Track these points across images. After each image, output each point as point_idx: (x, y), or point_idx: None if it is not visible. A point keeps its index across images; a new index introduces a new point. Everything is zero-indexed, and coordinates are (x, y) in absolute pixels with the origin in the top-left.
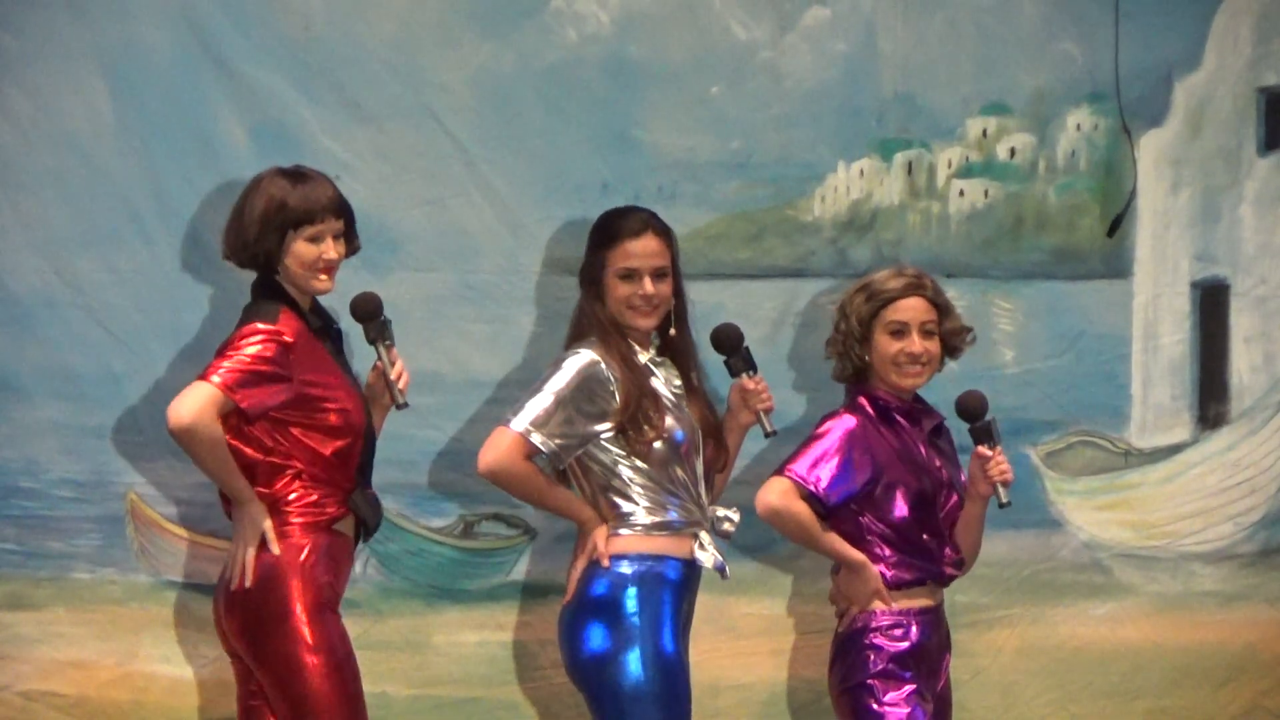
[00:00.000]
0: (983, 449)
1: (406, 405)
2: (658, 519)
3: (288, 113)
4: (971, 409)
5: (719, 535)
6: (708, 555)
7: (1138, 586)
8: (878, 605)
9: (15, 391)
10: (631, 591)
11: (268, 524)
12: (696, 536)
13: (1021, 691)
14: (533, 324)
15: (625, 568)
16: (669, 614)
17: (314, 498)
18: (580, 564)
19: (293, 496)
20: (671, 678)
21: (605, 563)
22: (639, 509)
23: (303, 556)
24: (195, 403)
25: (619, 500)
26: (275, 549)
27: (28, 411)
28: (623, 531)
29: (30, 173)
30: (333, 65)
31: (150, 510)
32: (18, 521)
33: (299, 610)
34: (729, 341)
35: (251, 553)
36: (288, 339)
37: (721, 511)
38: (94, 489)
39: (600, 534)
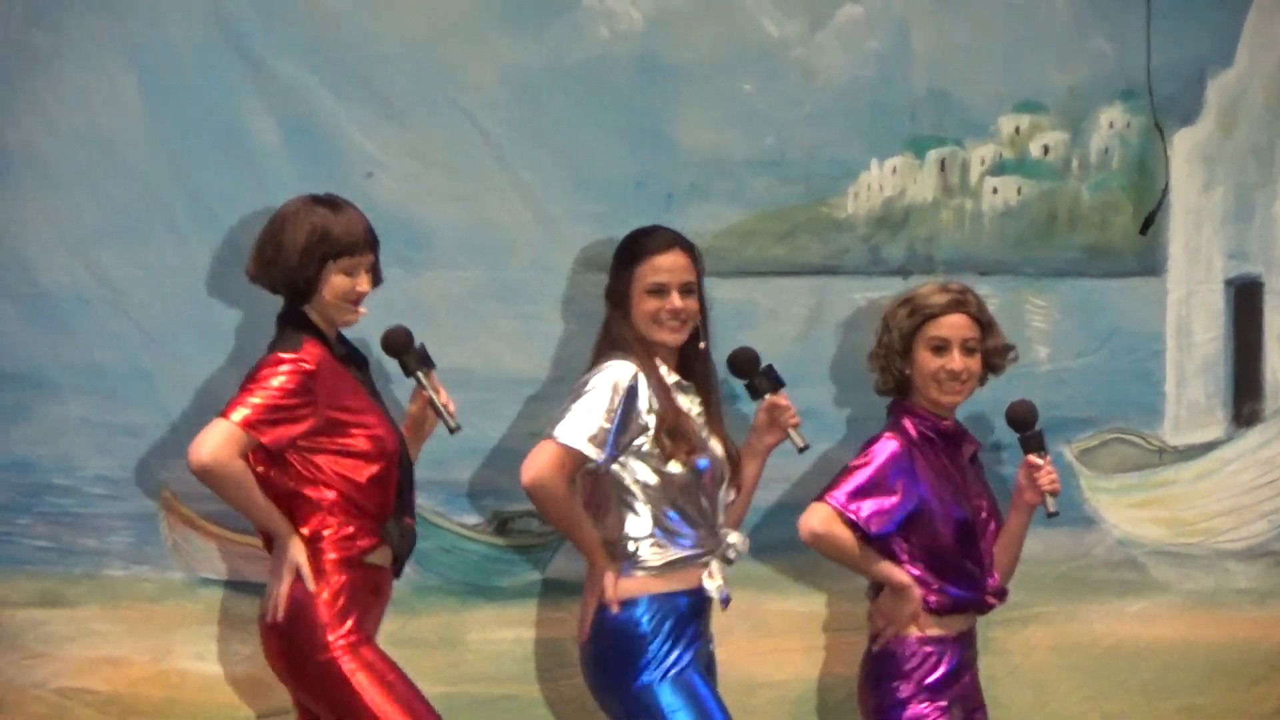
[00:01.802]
0: (1033, 458)
1: (460, 428)
2: (668, 557)
3: (318, 109)
4: (1022, 417)
5: (724, 561)
6: (714, 584)
7: (1171, 584)
8: (913, 631)
9: (47, 388)
10: (646, 630)
11: (303, 559)
12: (707, 565)
13: (1055, 688)
14: (564, 321)
15: (638, 610)
16: (686, 642)
17: (349, 531)
18: (590, 606)
19: (327, 532)
20: (703, 702)
21: (615, 609)
22: (649, 546)
23: (333, 595)
24: (215, 442)
25: (632, 521)
26: (311, 585)
27: (59, 408)
28: (635, 574)
29: (60, 169)
30: (363, 62)
31: (184, 507)
32: (51, 519)
33: (331, 645)
34: (748, 364)
35: (286, 588)
36: (309, 367)
37: (732, 538)
38: (127, 486)
39: (609, 579)
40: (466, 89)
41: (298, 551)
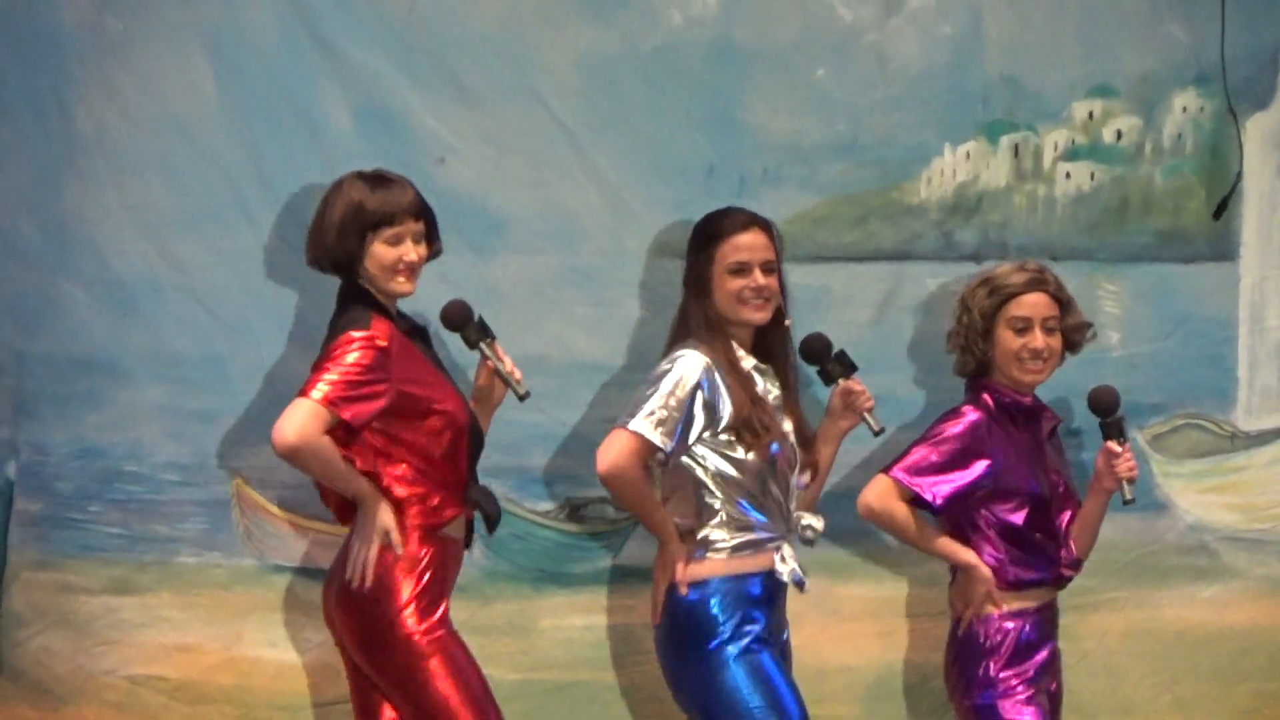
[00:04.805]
0: (1113, 444)
1: (529, 394)
2: (739, 540)
3: (391, 94)
4: (1105, 403)
5: (802, 542)
6: (787, 568)
7: (1244, 569)
8: (990, 609)
9: (119, 375)
10: (717, 611)
11: (392, 524)
12: (779, 549)
13: (1127, 674)
14: (638, 307)
15: (709, 591)
16: (759, 626)
17: (435, 502)
18: (660, 586)
19: (413, 502)
20: (775, 685)
21: (683, 590)
22: (721, 530)
23: (420, 570)
24: (299, 422)
25: (704, 513)
26: (400, 550)
27: (132, 395)
28: (707, 556)
29: (134, 155)
30: (437, 46)
31: (255, 494)
32: (123, 506)
33: (411, 621)
34: (820, 350)
35: (374, 553)
36: (382, 343)
37: (806, 519)
38: (199, 473)
39: (680, 557)
40: (540, 74)
41: (387, 516)
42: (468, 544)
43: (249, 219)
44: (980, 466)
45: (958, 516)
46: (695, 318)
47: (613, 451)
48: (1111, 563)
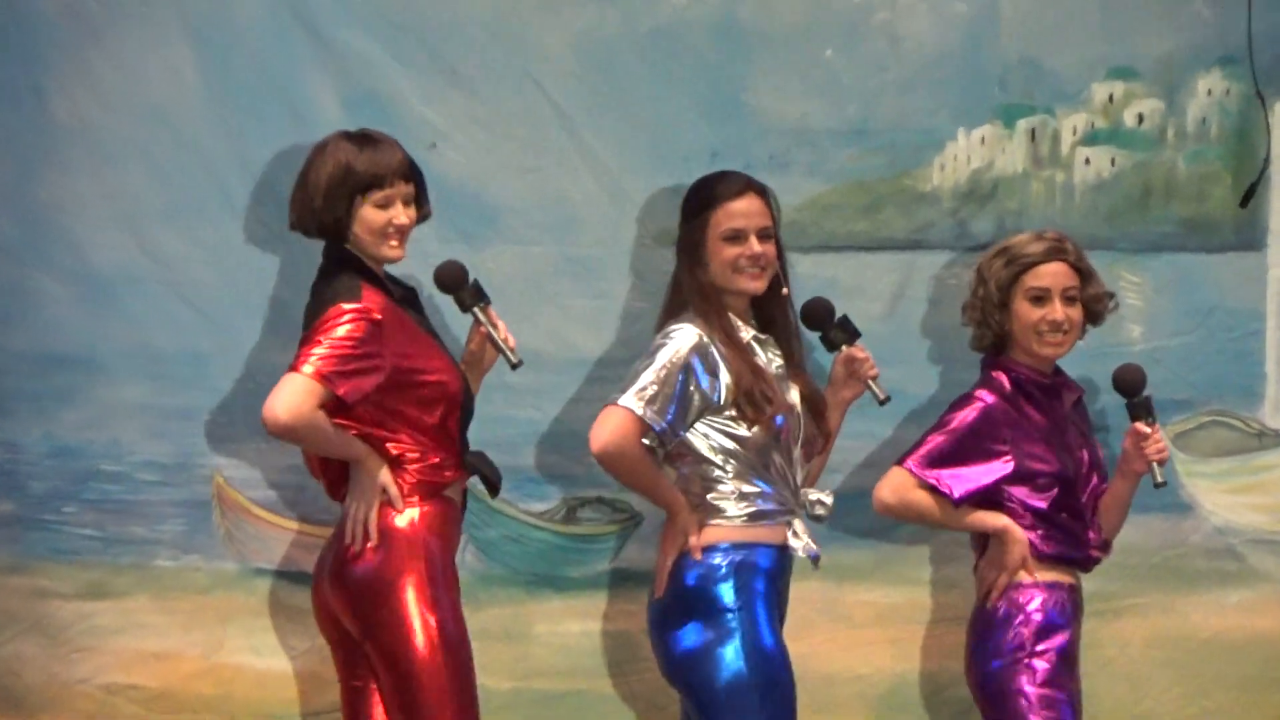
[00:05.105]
0: (1141, 425)
1: (521, 363)
2: (750, 509)
3: (381, 79)
4: (1130, 383)
5: (813, 519)
6: (801, 543)
7: (1273, 573)
8: (1024, 576)
9: (97, 371)
10: (724, 582)
11: (390, 480)
12: (790, 524)
13: (1151, 683)
14: (637, 299)
15: (717, 558)
16: (763, 603)
17: (435, 461)
18: (669, 556)
19: (410, 457)
20: (771, 668)
21: (697, 555)
22: (730, 500)
23: (417, 528)
24: (291, 398)
25: (711, 484)
26: (400, 504)
27: (110, 391)
28: (716, 522)
29: (113, 143)
30: (429, 30)
31: (237, 494)
32: (99, 506)
33: (412, 584)
34: (822, 315)
35: (374, 511)
36: (376, 316)
37: (814, 495)
38: (178, 472)
39: (692, 525)
40: (536, 56)
41: (385, 473)
42: (494, 494)
43: (232, 210)
44: (998, 467)
45: (983, 500)
46: (689, 287)
47: (606, 430)
48: (1135, 567)
